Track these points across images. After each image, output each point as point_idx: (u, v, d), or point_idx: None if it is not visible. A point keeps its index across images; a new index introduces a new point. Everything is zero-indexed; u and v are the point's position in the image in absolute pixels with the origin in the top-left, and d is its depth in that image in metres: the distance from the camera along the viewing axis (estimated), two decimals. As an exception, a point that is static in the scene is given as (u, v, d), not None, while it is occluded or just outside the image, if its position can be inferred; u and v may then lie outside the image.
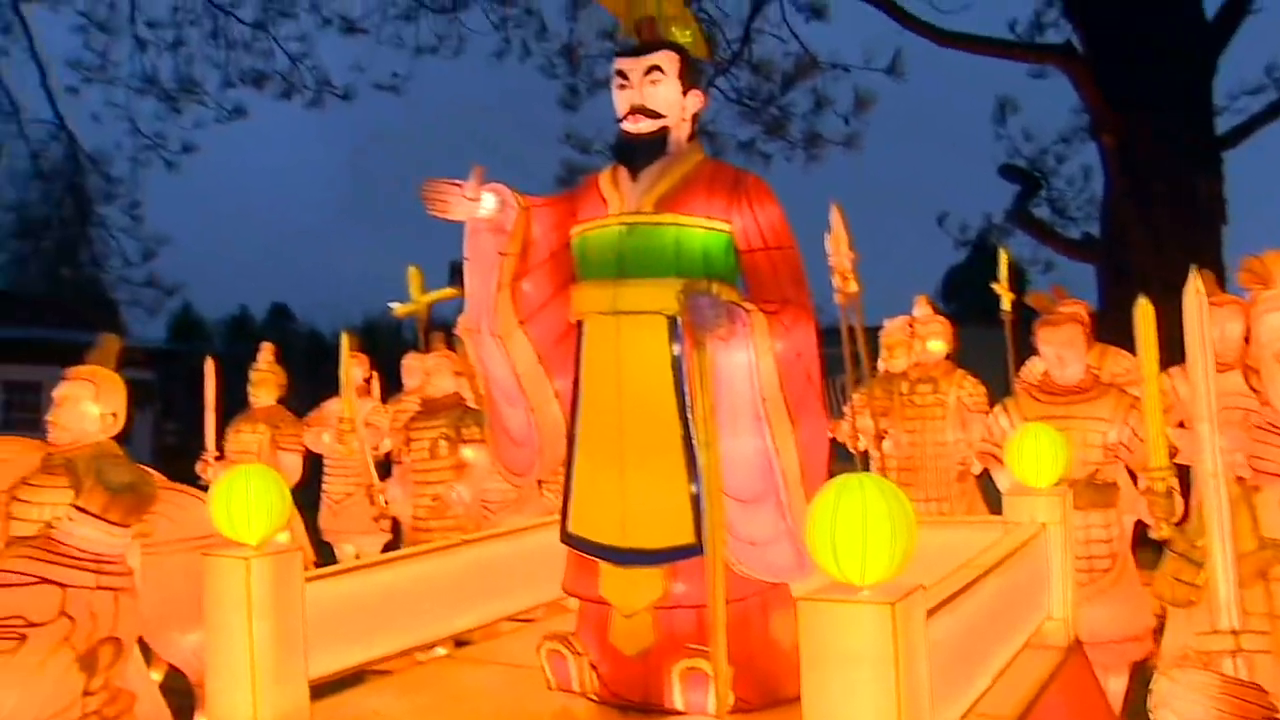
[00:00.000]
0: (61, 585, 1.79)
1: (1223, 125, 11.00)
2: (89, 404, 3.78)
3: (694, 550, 3.06)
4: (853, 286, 5.77)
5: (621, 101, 3.30)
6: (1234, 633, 2.02)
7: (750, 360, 2.96)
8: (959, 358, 7.12)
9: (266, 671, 2.98)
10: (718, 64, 10.87)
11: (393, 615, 3.53)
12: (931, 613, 2.42)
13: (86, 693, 1.83)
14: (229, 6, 13.20)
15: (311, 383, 7.65)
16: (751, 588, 3.15)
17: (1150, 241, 9.72)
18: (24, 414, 24.16)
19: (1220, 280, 6.71)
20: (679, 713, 3.10)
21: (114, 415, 3.83)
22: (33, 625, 1.74)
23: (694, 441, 3.01)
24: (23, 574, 1.77)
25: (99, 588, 1.84)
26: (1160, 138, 9.81)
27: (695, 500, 3.07)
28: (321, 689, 3.25)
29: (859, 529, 2.22)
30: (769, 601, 3.25)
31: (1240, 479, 2.17)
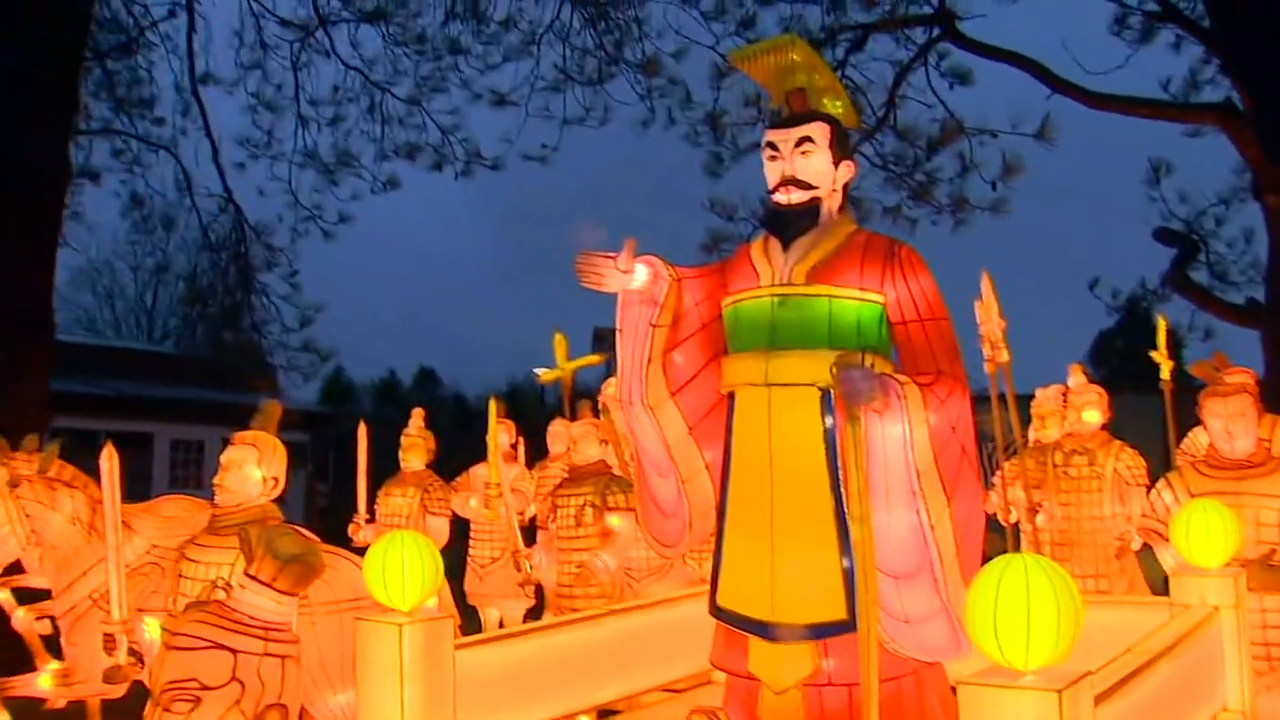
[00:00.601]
0: (233, 650, 1.85)
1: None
2: (252, 468, 3.90)
3: (846, 626, 3.00)
4: (1004, 355, 5.63)
5: (772, 173, 3.30)
6: None
7: (905, 433, 2.91)
8: (1111, 427, 6.88)
9: (418, 735, 3.01)
10: (863, 130, 10.84)
11: (540, 684, 3.54)
12: (1099, 700, 2.31)
13: (256, 758, 1.88)
14: (386, 84, 13.81)
15: (457, 446, 7.79)
16: (905, 666, 3.08)
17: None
18: (188, 472, 25.29)
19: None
20: (830, 794, 3.02)
21: (275, 479, 3.95)
22: (206, 689, 1.81)
23: (846, 515, 2.96)
24: (198, 638, 1.84)
25: (266, 654, 1.90)
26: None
27: (847, 575, 3.01)
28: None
29: (1022, 611, 2.15)
30: (923, 681, 3.16)
31: None
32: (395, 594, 3.07)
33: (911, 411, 2.91)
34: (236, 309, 13.51)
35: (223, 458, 3.94)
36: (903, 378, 2.98)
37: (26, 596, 6.32)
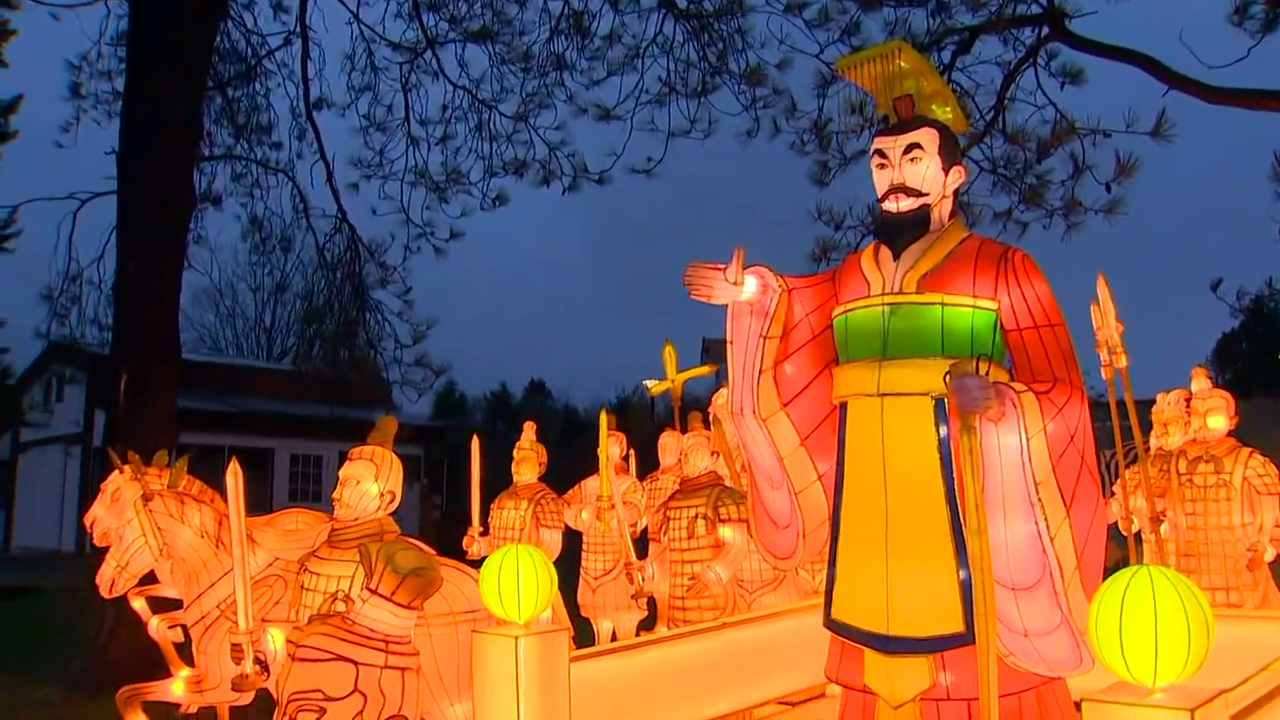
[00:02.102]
0: (355, 663, 1.90)
1: None
2: (369, 483, 3.97)
3: (963, 639, 2.96)
4: (1121, 359, 5.49)
5: (881, 181, 3.28)
6: None
7: (1021, 442, 2.86)
8: (1238, 432, 6.64)
9: (534, 747, 3.04)
10: (972, 134, 10.66)
11: (653, 697, 3.56)
12: None
13: (378, 767, 1.93)
14: (493, 102, 14.02)
15: (567, 458, 7.84)
16: (1025, 681, 3.02)
17: None
18: (307, 486, 25.99)
19: None
20: (949, 811, 2.98)
21: (392, 494, 4.02)
22: (330, 699, 1.86)
23: (963, 526, 2.91)
24: (322, 650, 1.89)
25: (387, 666, 1.94)
26: None
27: (964, 587, 2.97)
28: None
29: (1149, 624, 2.10)
30: (1043, 696, 3.09)
31: None
32: (510, 607, 3.11)
33: (1028, 420, 2.86)
34: (352, 326, 13.84)
35: (341, 473, 4.02)
36: (1019, 385, 2.93)
37: (159, 606, 6.56)
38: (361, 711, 1.89)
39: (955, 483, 3.01)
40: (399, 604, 2.02)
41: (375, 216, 14.21)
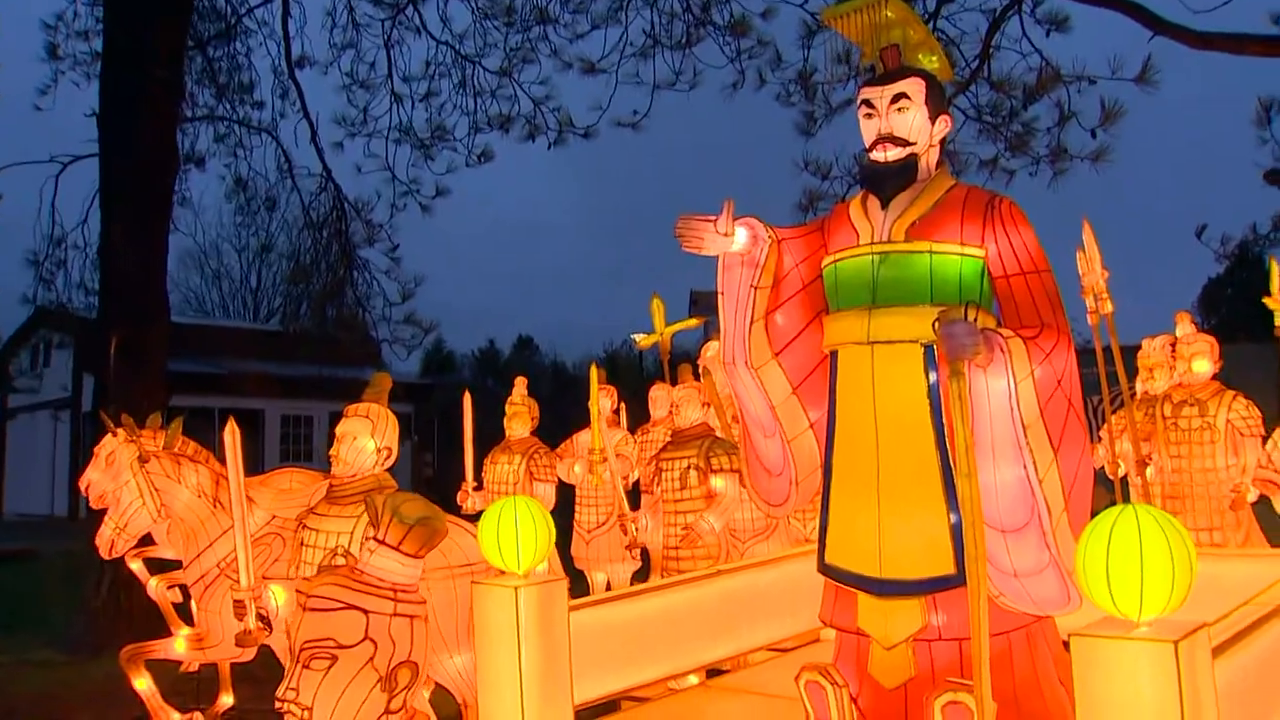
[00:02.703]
0: (365, 611, 1.94)
1: None
2: (366, 439, 4.01)
3: (954, 581, 3.02)
4: (1107, 305, 5.55)
5: (868, 130, 3.30)
6: None
7: (1009, 387, 2.89)
8: (1222, 377, 6.71)
9: (535, 695, 3.10)
10: (957, 82, 10.65)
11: (652, 643, 3.62)
12: (1217, 652, 2.30)
13: (387, 711, 1.97)
14: (476, 57, 13.94)
15: (557, 412, 7.88)
16: (1014, 621, 3.08)
17: None
18: (299, 446, 26.05)
19: None
20: (941, 747, 3.04)
21: (388, 449, 4.06)
22: (342, 647, 1.91)
23: (952, 470, 2.96)
24: (332, 600, 1.93)
25: (396, 614, 1.99)
26: None
27: (955, 530, 3.02)
28: (578, 717, 3.34)
29: (1135, 561, 2.15)
30: (1033, 635, 3.16)
31: None
32: (510, 558, 3.15)
33: (1016, 365, 2.90)
34: (339, 285, 13.82)
35: (337, 430, 4.05)
36: (1006, 331, 2.96)
37: (156, 567, 6.62)
38: (373, 658, 1.94)
39: (945, 428, 3.05)
40: (406, 553, 2.06)
41: (360, 175, 14.20)
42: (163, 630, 6.05)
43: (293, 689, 1.88)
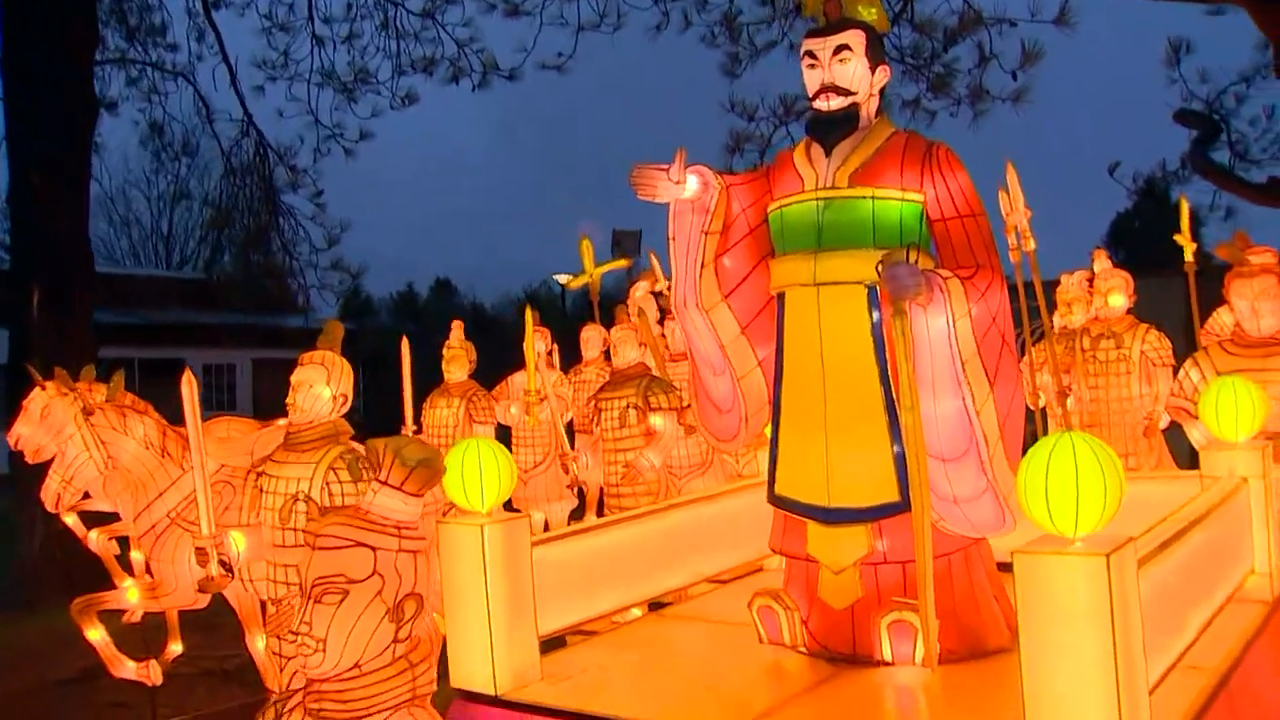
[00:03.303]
0: (372, 548, 2.05)
1: None
2: (322, 386, 4.06)
3: (898, 508, 3.21)
4: (1030, 243, 5.77)
5: (812, 80, 3.43)
6: None
7: (948, 324, 3.07)
8: (1135, 309, 7.01)
9: (502, 627, 3.23)
10: (881, 25, 10.83)
11: (608, 575, 3.76)
12: (1141, 564, 2.50)
13: (395, 640, 2.10)
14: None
15: (479, 355, 7.95)
16: (955, 543, 3.29)
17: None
18: (222, 395, 25.73)
19: None
20: (887, 663, 3.25)
21: (344, 396, 4.11)
22: (352, 582, 2.02)
23: (896, 404, 3.14)
24: (341, 538, 2.04)
25: (400, 550, 2.10)
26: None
27: (898, 460, 3.21)
28: (540, 647, 3.47)
29: (1071, 483, 2.32)
30: (970, 556, 3.37)
31: None
32: (474, 497, 3.26)
33: (954, 304, 3.07)
34: (263, 231, 13.66)
35: (293, 378, 4.09)
36: (945, 272, 3.14)
37: (90, 521, 6.62)
38: (380, 591, 2.06)
39: (888, 364, 3.22)
40: (408, 493, 2.17)
41: (282, 119, 13.98)
42: (98, 584, 6.02)
43: (306, 623, 1.99)
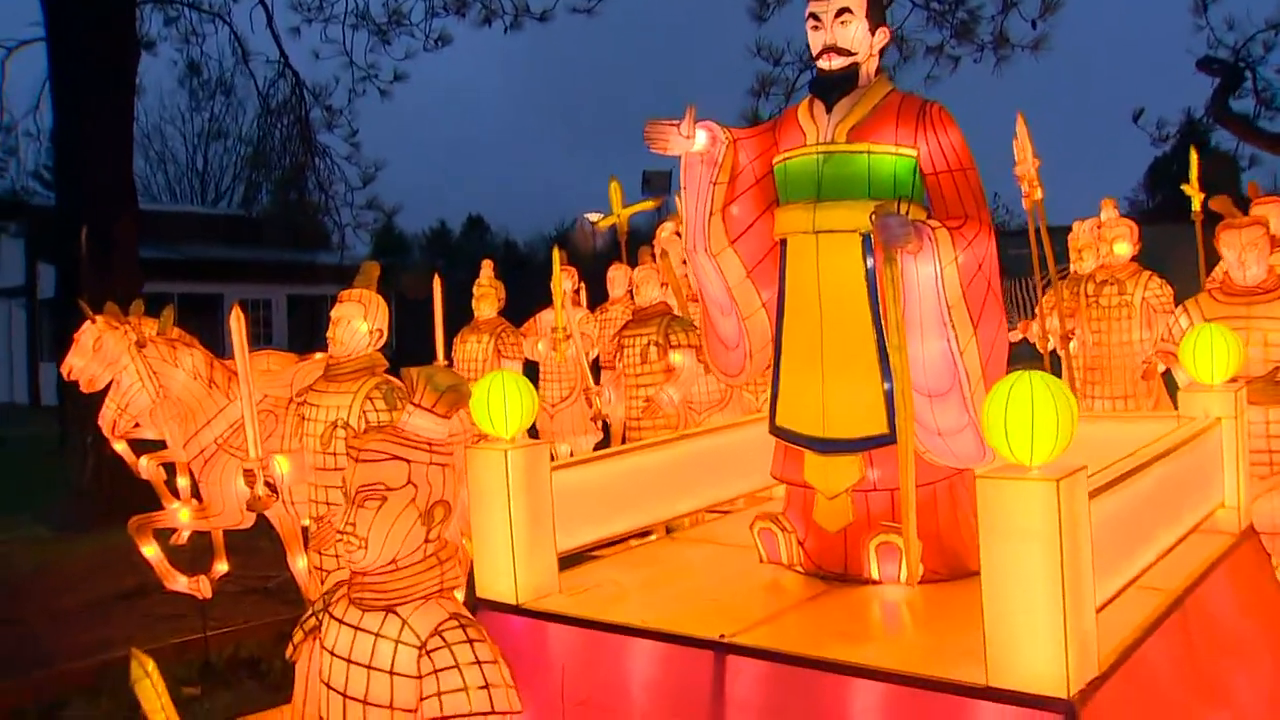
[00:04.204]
0: (407, 461, 2.36)
1: None
2: (360, 322, 4.37)
3: (887, 439, 3.48)
4: (1038, 192, 5.98)
5: (815, 41, 3.66)
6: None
7: (936, 271, 3.33)
8: (1156, 254, 7.19)
9: (524, 543, 3.55)
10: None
11: (622, 500, 4.06)
12: (1096, 492, 2.76)
13: (426, 540, 2.43)
14: (433, -59, 13.89)
15: (510, 291, 8.22)
16: (939, 473, 3.56)
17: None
18: (258, 329, 26.17)
19: None
20: (875, 582, 3.55)
21: (380, 331, 4.43)
22: (390, 490, 2.34)
23: (886, 344, 3.40)
24: (380, 452, 2.35)
25: (431, 463, 2.41)
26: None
27: (888, 396, 3.48)
28: (560, 564, 3.77)
29: (1027, 416, 2.58)
30: (954, 485, 3.64)
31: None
32: (499, 425, 3.56)
33: (942, 252, 3.32)
34: (301, 171, 13.95)
35: (332, 314, 4.41)
36: (934, 222, 3.38)
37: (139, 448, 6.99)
38: (414, 498, 2.37)
39: (880, 307, 3.46)
40: (438, 414, 2.47)
41: (318, 60, 14.20)
42: (145, 507, 6.35)
43: (350, 524, 2.31)
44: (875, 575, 3.54)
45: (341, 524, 2.31)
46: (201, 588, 5.85)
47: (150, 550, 5.69)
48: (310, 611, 2.66)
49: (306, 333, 22.56)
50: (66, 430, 9.94)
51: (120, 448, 6.91)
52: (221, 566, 6.57)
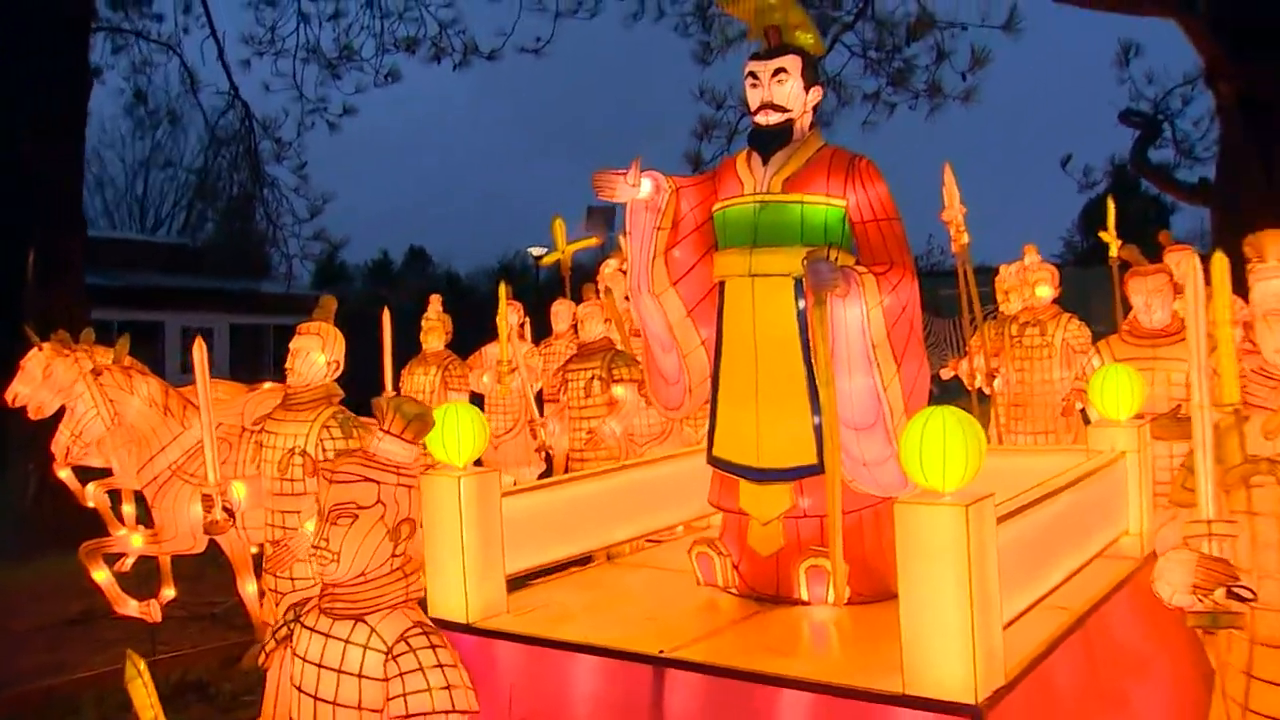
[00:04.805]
0: (376, 482, 2.58)
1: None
2: (317, 354, 4.54)
3: (816, 469, 3.71)
4: (964, 238, 6.33)
5: (753, 98, 3.93)
6: (1208, 522, 2.59)
7: (862, 313, 3.58)
8: (1081, 296, 7.50)
9: (475, 566, 3.74)
10: (844, 22, 11.29)
11: (568, 526, 4.25)
12: (1004, 518, 3.01)
13: (393, 554, 2.64)
14: (383, -21, 14.10)
15: (453, 321, 8.39)
16: (864, 501, 3.79)
17: (1262, 189, 9.88)
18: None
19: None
20: (804, 603, 3.76)
21: (337, 363, 4.60)
22: (361, 508, 2.55)
23: (816, 380, 3.64)
24: (353, 474, 2.57)
25: (399, 484, 2.63)
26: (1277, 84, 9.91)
27: (817, 429, 3.71)
28: (507, 586, 3.95)
29: (940, 447, 2.82)
30: (879, 513, 3.85)
31: (1236, 410, 2.71)
32: (453, 453, 3.76)
33: (868, 295, 3.58)
34: (248, 201, 14.03)
35: (291, 345, 4.57)
36: (861, 268, 3.65)
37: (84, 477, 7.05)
38: (383, 516, 2.58)
39: (810, 346, 3.71)
40: (406, 440, 2.69)
41: (268, 93, 14.33)
42: (87, 534, 6.38)
43: (324, 539, 2.52)
44: (805, 596, 3.75)
45: (316, 540, 2.52)
46: (152, 612, 5.94)
47: (100, 575, 5.78)
48: (281, 622, 2.85)
49: (250, 361, 22.54)
50: (7, 456, 9.94)
51: (65, 474, 6.97)
52: (169, 592, 6.66)
